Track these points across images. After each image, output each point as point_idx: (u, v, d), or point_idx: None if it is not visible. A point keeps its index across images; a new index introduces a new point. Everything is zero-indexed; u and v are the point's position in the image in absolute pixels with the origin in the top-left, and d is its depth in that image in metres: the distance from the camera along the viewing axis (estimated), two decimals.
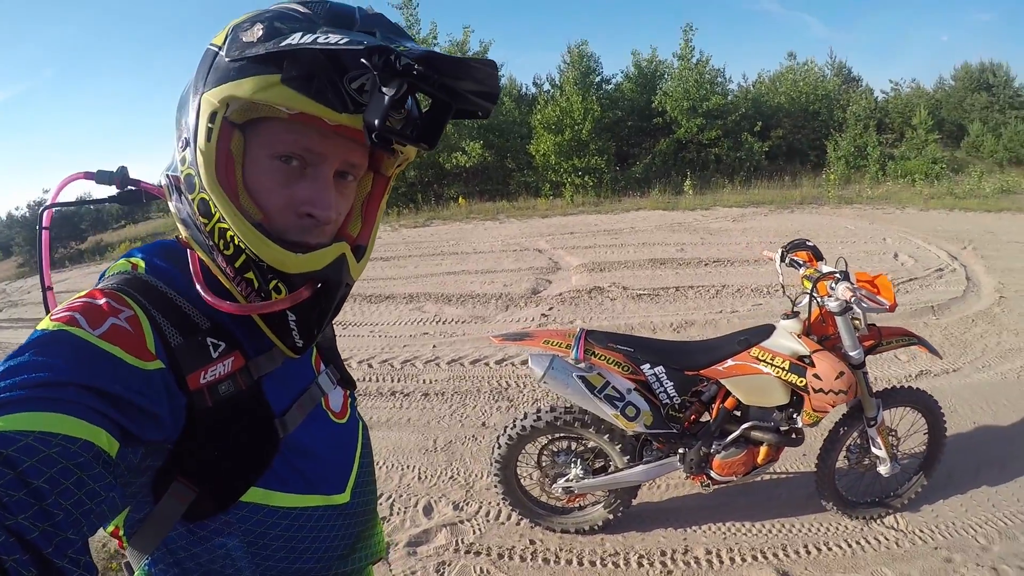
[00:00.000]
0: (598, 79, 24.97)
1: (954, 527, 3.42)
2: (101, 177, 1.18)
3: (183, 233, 0.97)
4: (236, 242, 0.90)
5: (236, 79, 0.84)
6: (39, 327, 0.81)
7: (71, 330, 0.79)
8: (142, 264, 0.98)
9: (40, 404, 0.69)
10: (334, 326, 1.35)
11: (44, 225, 1.17)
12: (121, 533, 0.96)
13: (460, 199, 19.96)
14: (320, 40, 0.78)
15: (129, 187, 1.23)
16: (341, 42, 0.77)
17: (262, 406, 0.99)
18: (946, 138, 24.21)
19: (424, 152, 0.99)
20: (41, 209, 1.17)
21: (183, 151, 0.93)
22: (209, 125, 0.87)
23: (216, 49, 0.90)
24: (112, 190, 1.21)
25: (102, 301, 0.86)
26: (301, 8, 0.88)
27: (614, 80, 25.82)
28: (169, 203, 0.99)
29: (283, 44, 0.80)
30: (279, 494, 1.01)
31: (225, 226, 0.90)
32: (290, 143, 0.90)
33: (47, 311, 0.96)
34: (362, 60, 0.79)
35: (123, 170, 1.19)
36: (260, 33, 0.85)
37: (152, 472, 0.90)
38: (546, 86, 26.14)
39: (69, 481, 0.65)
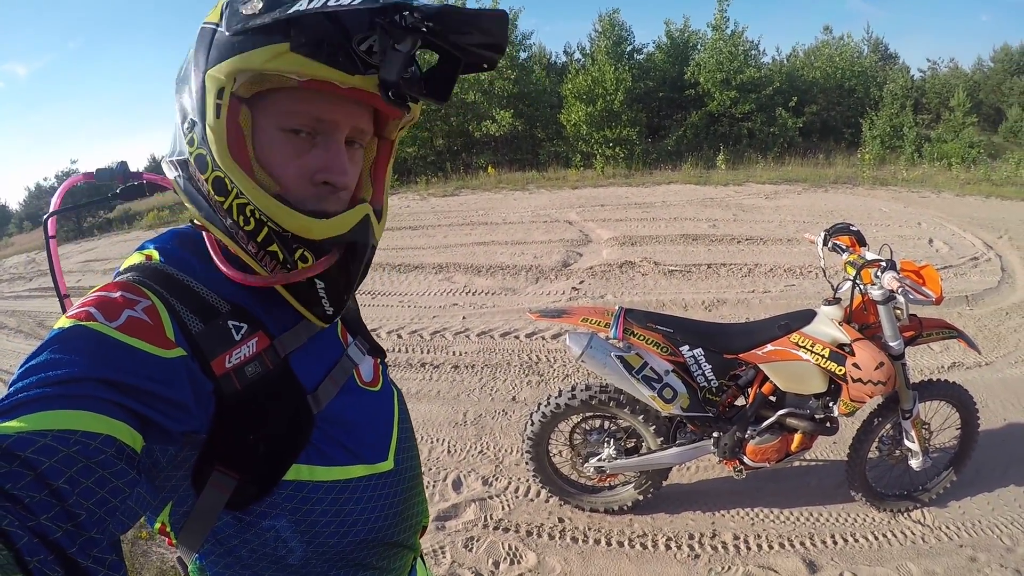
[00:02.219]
0: (629, 48, 24.64)
1: (980, 525, 3.41)
2: (101, 176, 1.16)
3: (196, 216, 0.96)
4: (257, 216, 0.91)
5: (242, 52, 0.84)
6: (56, 326, 0.80)
7: (87, 325, 0.78)
8: (156, 254, 0.97)
9: (58, 402, 0.68)
10: (357, 298, 1.37)
11: (51, 234, 1.15)
12: (168, 529, 0.97)
13: (489, 168, 19.87)
14: (330, 4, 0.77)
15: (131, 182, 1.22)
16: (355, 3, 0.77)
17: (293, 384, 0.99)
18: (984, 122, 23.71)
19: (435, 108, 0.98)
20: (44, 218, 1.14)
21: (190, 132, 0.92)
22: (217, 101, 0.87)
23: (213, 26, 0.89)
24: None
25: (117, 294, 0.85)
26: None
27: (645, 50, 25.48)
28: (177, 190, 0.98)
29: (291, 11, 0.79)
30: (322, 468, 1.00)
31: (244, 201, 0.90)
32: (300, 113, 0.90)
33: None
34: (376, 20, 0.79)
35: (123, 165, 1.16)
36: (260, 4, 0.84)
37: (190, 464, 0.90)
38: (577, 55, 25.87)
39: (90, 480, 0.64)
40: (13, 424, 0.65)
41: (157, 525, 0.97)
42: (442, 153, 21.80)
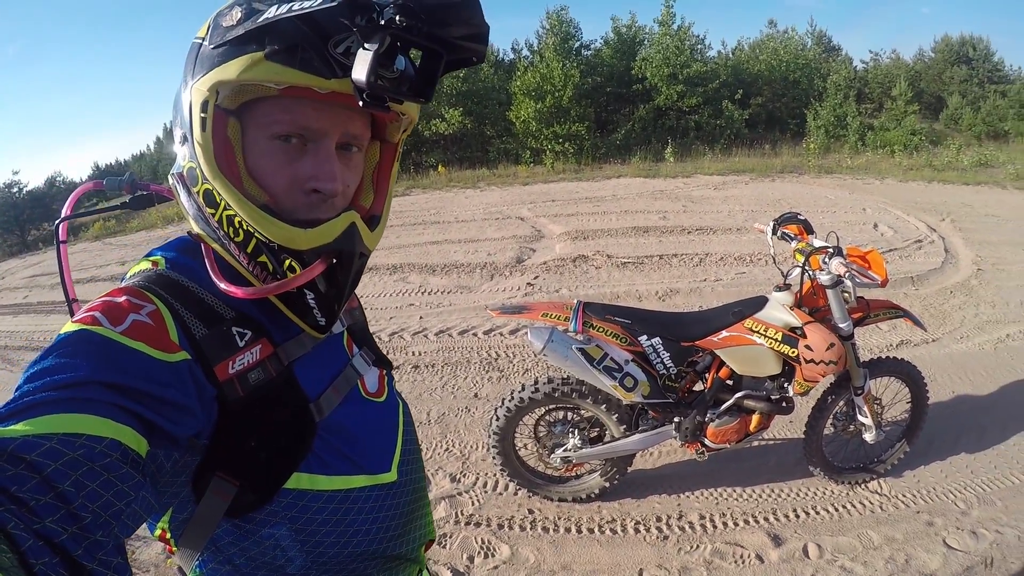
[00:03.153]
0: (577, 45, 24.78)
1: (935, 492, 3.55)
2: (111, 185, 1.16)
3: (194, 228, 0.98)
4: (245, 227, 0.90)
5: (221, 64, 0.84)
6: (62, 330, 0.80)
7: (93, 329, 0.78)
8: (162, 261, 0.97)
9: (64, 405, 0.68)
10: (364, 309, 1.36)
11: (61, 239, 1.15)
12: (168, 536, 0.96)
13: (440, 167, 19.81)
14: (295, 8, 0.77)
15: (139, 192, 1.22)
16: (315, 5, 0.75)
17: (295, 391, 0.98)
18: (925, 110, 24.44)
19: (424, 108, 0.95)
20: (56, 223, 1.14)
21: (182, 146, 0.93)
22: (202, 115, 0.87)
23: (200, 41, 0.90)
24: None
25: (122, 299, 0.85)
26: None
27: (593, 46, 25.64)
28: (179, 201, 0.99)
29: (261, 19, 0.80)
30: (323, 477, 1.00)
31: (232, 212, 0.90)
32: (286, 122, 0.89)
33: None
34: (342, 20, 0.76)
35: (131, 176, 1.16)
36: (239, 15, 0.84)
37: (191, 470, 0.90)
38: (525, 52, 25.93)
39: (95, 483, 0.64)
40: (19, 427, 0.65)
41: (157, 532, 0.97)
42: None
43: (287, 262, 0.93)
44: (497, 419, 3.36)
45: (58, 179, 33.29)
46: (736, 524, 3.37)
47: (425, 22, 0.77)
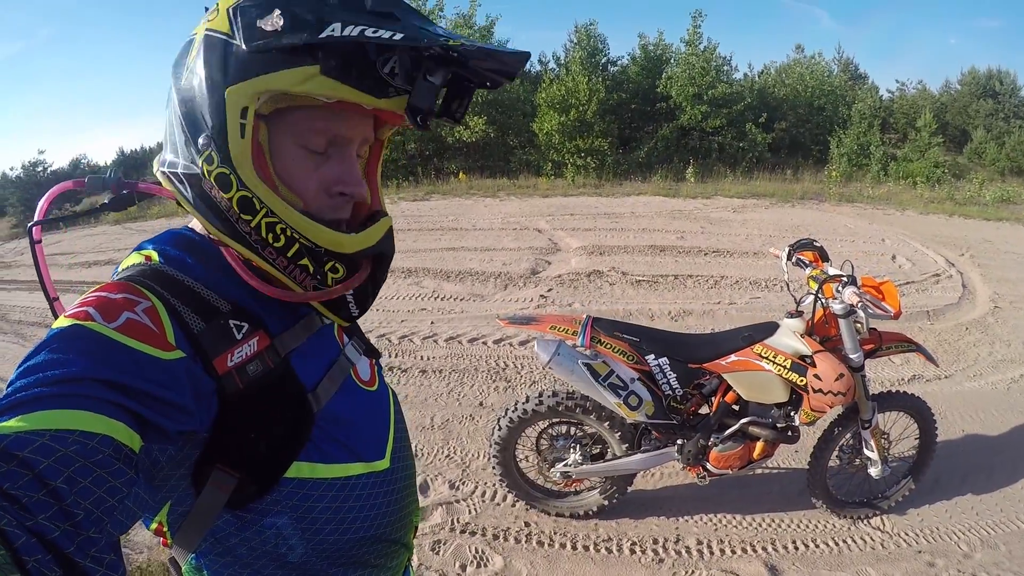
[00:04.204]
0: (604, 60, 24.79)
1: (938, 532, 3.50)
2: (93, 184, 1.10)
3: (212, 231, 0.96)
4: (288, 233, 0.92)
5: (270, 71, 0.84)
6: (55, 325, 0.80)
7: (86, 325, 0.78)
8: (155, 255, 0.97)
9: (56, 401, 0.68)
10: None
11: (36, 240, 1.15)
12: (165, 529, 0.96)
13: (460, 174, 19.82)
14: (369, 33, 0.79)
15: (124, 192, 1.20)
16: (396, 37, 0.79)
17: (293, 382, 0.99)
18: (949, 143, 24.27)
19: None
20: (30, 225, 1.13)
21: (206, 149, 0.90)
22: (242, 121, 0.86)
23: (224, 37, 0.87)
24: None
25: (118, 295, 0.84)
26: None
27: (620, 62, 25.62)
28: (184, 203, 0.96)
29: (323, 35, 0.80)
30: (322, 466, 1.01)
31: (273, 220, 0.91)
32: (320, 130, 0.92)
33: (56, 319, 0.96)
34: (408, 51, 0.83)
35: (116, 175, 1.15)
36: (282, 22, 0.83)
37: (190, 463, 0.90)
38: (552, 64, 25.94)
39: (88, 479, 0.64)
40: (11, 423, 0.65)
41: (153, 526, 0.97)
42: (414, 157, 21.69)
43: (329, 264, 0.97)
44: (499, 429, 3.35)
45: (83, 161, 33.55)
46: (734, 552, 3.34)
47: (473, 59, 0.85)
